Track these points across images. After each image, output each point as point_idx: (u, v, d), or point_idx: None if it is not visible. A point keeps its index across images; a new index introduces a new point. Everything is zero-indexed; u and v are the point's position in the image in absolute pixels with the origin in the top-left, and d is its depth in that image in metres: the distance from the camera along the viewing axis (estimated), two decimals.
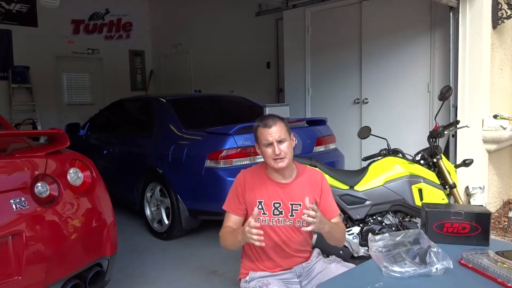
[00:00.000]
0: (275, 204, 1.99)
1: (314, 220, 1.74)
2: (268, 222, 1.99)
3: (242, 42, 7.58)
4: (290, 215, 2.00)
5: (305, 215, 1.75)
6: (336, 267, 2.00)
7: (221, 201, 2.11)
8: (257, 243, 1.73)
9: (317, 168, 2.82)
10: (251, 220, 1.73)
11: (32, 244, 2.04)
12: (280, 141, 1.94)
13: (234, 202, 2.04)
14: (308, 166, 2.48)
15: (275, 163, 1.94)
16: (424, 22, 4.88)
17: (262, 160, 2.08)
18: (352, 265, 2.05)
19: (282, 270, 2.04)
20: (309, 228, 1.77)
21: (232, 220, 2.03)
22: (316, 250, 2.19)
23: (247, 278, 2.06)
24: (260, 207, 1.99)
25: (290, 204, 2.00)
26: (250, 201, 2.00)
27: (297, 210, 1.98)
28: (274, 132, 1.93)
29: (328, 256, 2.17)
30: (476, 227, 1.72)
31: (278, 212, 1.99)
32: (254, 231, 1.71)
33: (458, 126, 3.33)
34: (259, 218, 2.00)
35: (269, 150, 1.95)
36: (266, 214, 1.99)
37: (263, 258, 2.05)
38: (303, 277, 2.05)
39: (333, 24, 5.74)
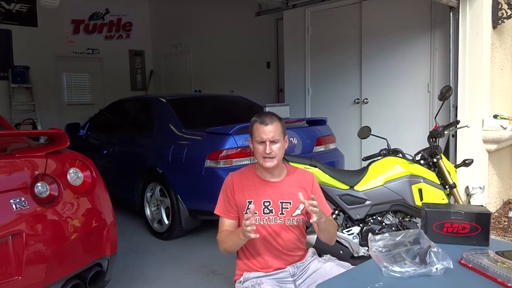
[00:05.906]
0: (265, 203, 1.99)
1: (317, 210, 1.74)
2: (259, 221, 1.98)
3: (242, 42, 7.58)
4: (280, 213, 1.99)
5: (310, 206, 1.72)
6: (331, 266, 1.99)
7: None
8: (252, 235, 1.73)
9: (317, 168, 2.84)
10: (246, 216, 1.75)
11: (32, 244, 2.04)
12: (273, 141, 1.95)
13: (225, 206, 2.04)
14: (300, 167, 2.49)
15: (264, 161, 1.96)
16: (424, 22, 4.88)
17: None
18: (347, 264, 2.04)
19: (275, 270, 2.03)
20: (315, 219, 1.74)
21: (227, 224, 2.03)
22: (311, 250, 2.18)
23: (241, 279, 2.05)
24: (250, 206, 1.98)
25: (280, 202, 1.99)
26: (240, 202, 2.00)
27: (287, 208, 1.99)
28: (269, 131, 1.94)
29: (321, 256, 2.15)
30: (476, 227, 1.72)
31: (268, 211, 1.99)
32: (247, 222, 1.72)
33: (458, 126, 3.33)
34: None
35: (260, 147, 1.95)
36: (256, 213, 1.97)
37: (255, 258, 2.04)
38: (297, 276, 2.05)
39: (333, 24, 5.74)
